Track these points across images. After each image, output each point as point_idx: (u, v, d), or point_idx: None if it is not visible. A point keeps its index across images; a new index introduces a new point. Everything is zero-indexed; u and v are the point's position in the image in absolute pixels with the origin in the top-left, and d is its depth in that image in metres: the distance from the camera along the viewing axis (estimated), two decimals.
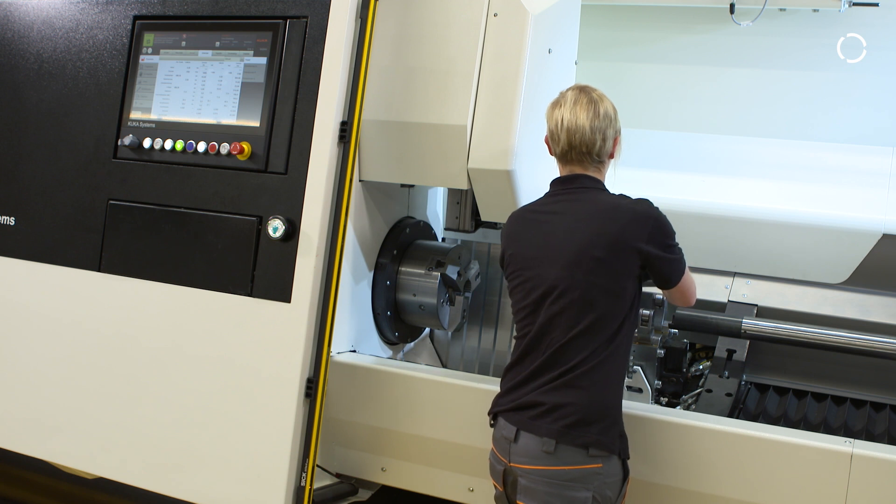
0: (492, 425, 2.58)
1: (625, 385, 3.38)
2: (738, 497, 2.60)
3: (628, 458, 2.49)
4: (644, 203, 2.50)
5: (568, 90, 2.59)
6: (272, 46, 3.10)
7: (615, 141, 2.59)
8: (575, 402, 2.39)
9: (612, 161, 2.63)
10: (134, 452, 3.23)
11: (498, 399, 2.57)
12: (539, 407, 2.42)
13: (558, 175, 2.62)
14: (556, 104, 2.58)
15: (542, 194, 2.65)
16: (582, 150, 2.52)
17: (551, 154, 2.62)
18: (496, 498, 2.59)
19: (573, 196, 2.54)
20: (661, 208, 2.51)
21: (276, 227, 2.96)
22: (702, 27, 4.12)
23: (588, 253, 2.42)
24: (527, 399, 2.45)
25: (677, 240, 2.54)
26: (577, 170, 2.56)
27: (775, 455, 2.55)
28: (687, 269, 2.59)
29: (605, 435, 2.40)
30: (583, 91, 2.57)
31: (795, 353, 3.44)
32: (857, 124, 3.89)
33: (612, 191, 2.58)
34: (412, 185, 3.47)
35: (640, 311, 3.20)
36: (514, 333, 2.58)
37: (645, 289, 2.62)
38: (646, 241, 2.43)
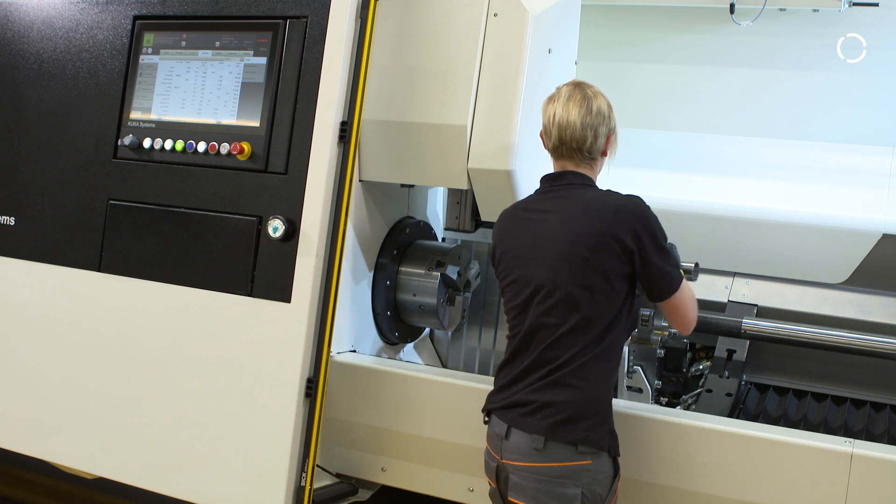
0: (486, 422, 2.59)
1: (624, 384, 3.41)
2: (738, 497, 2.60)
3: (618, 455, 2.49)
4: (631, 199, 2.47)
5: (564, 85, 2.59)
6: (272, 46, 3.10)
7: (608, 139, 2.57)
8: (563, 400, 2.40)
9: (607, 159, 2.62)
10: (134, 452, 3.23)
11: (491, 396, 2.58)
12: (529, 405, 2.43)
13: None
14: (551, 99, 2.58)
15: None
16: (572, 146, 2.52)
17: (545, 148, 2.63)
18: (490, 494, 2.60)
19: (561, 193, 2.54)
20: (661, 208, 2.50)
21: (276, 227, 2.96)
22: (702, 27, 4.11)
23: (574, 252, 2.42)
24: (517, 398, 2.47)
25: (675, 247, 2.52)
26: (569, 165, 2.56)
27: (775, 455, 2.55)
28: (686, 287, 2.54)
29: (594, 432, 2.40)
30: (578, 87, 2.56)
31: (795, 353, 3.44)
32: (857, 124, 3.88)
33: (610, 190, 2.58)
34: (412, 185, 3.47)
35: (641, 310, 3.20)
36: (507, 332, 2.59)
37: None
38: (630, 237, 2.41)
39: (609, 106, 2.57)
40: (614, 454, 2.47)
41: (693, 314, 2.58)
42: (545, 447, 2.39)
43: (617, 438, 2.49)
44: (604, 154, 2.59)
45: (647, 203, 2.48)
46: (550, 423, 2.39)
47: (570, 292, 2.42)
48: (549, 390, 2.42)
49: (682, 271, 2.56)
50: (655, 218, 2.47)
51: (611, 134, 2.58)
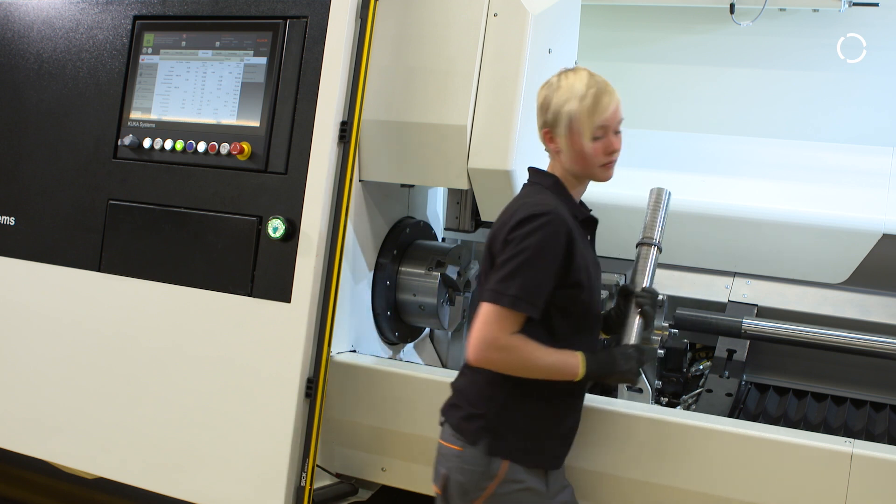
0: None
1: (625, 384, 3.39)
2: (738, 497, 2.60)
3: (507, 459, 2.38)
4: (530, 204, 2.34)
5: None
6: (272, 46, 3.10)
7: (545, 133, 2.40)
8: (455, 387, 2.52)
9: (563, 155, 2.39)
10: (134, 452, 3.23)
11: None
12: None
13: None
14: None
15: None
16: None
17: None
18: None
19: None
20: None
21: (276, 227, 2.96)
22: (702, 27, 4.12)
23: (487, 251, 2.44)
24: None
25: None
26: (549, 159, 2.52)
27: (775, 455, 2.55)
28: (503, 321, 2.27)
29: (465, 423, 2.43)
30: (555, 76, 2.45)
31: (795, 353, 3.44)
32: (857, 124, 3.89)
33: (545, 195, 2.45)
34: (412, 185, 3.47)
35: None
36: None
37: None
38: (503, 237, 2.34)
39: (552, 98, 2.36)
40: (496, 455, 2.38)
41: (485, 352, 2.28)
42: (443, 424, 2.51)
43: (504, 442, 2.38)
44: (555, 150, 2.40)
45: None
46: (445, 404, 2.53)
47: (477, 294, 2.49)
48: (457, 380, 2.55)
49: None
50: (538, 235, 2.27)
51: (547, 129, 2.39)
